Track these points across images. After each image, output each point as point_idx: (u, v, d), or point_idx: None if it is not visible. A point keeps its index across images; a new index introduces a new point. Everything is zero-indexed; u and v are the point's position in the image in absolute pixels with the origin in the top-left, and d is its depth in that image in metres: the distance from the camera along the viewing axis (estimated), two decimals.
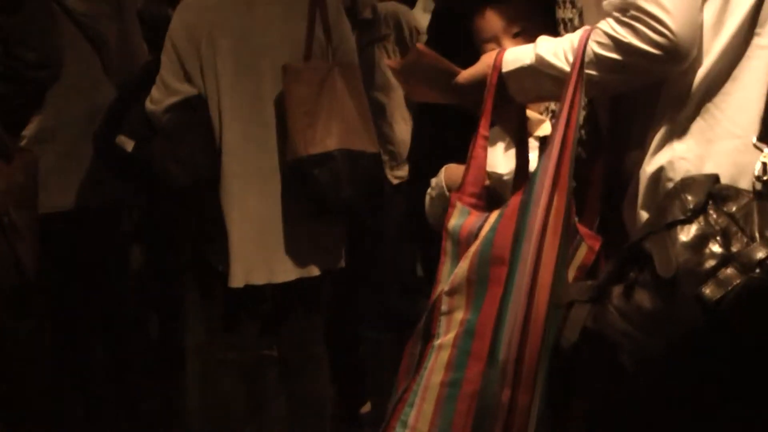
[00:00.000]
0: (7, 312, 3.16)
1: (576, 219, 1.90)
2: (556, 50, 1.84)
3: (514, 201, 1.85)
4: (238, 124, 2.97)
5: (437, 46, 2.10)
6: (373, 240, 3.57)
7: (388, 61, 3.61)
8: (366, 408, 3.89)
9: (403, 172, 3.85)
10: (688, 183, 1.73)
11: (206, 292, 3.22)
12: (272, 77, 2.96)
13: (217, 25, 2.97)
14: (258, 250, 2.98)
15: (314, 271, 3.05)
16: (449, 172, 2.22)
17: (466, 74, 1.98)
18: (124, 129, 3.16)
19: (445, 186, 2.21)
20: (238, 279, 2.99)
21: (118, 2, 3.36)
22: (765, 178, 1.72)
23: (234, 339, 3.12)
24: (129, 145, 3.11)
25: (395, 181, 3.88)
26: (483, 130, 1.95)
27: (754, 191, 1.72)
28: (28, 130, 3.07)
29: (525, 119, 2.05)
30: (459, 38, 2.23)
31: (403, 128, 3.98)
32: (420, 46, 2.05)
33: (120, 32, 3.36)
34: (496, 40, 2.15)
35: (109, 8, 3.33)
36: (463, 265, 1.87)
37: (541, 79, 1.87)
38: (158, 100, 2.98)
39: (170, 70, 2.98)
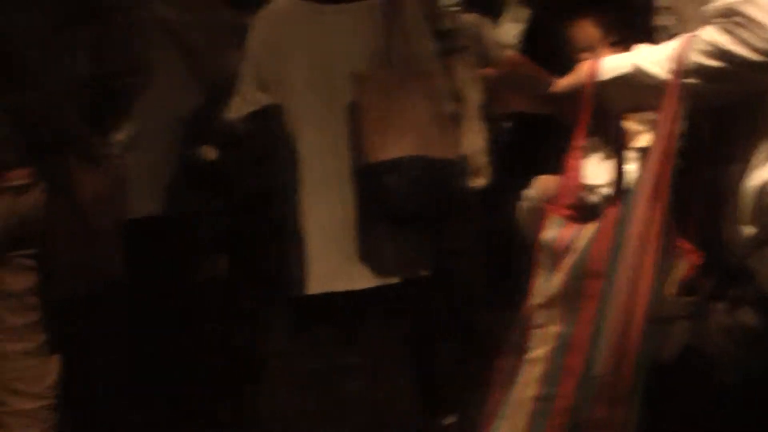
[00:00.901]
0: (91, 317, 3.21)
1: (675, 233, 1.86)
2: (654, 59, 1.80)
3: (611, 213, 1.82)
4: (313, 133, 2.99)
5: (530, 56, 2.08)
6: (450, 250, 3.55)
7: (481, 71, 3.60)
8: (450, 419, 3.86)
9: (476, 182, 3.83)
10: None
11: (285, 300, 3.22)
12: (347, 85, 2.96)
13: (293, 34, 2.99)
14: (336, 257, 2.99)
15: (395, 278, 3.04)
16: (543, 183, 2.20)
17: (560, 84, 1.95)
18: (207, 138, 3.19)
19: (538, 197, 2.19)
20: (315, 286, 2.99)
21: (205, 10, 3.39)
22: None
23: (313, 347, 3.12)
24: (211, 153, 3.14)
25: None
26: (578, 141, 1.92)
27: None
28: (117, 137, 3.11)
29: (622, 130, 2.02)
30: (553, 48, 2.21)
31: (475, 139, 3.96)
32: (513, 54, 2.03)
33: (209, 41, 3.39)
34: (592, 50, 2.12)
35: (197, 16, 3.36)
36: (558, 278, 1.84)
37: (638, 89, 1.83)
38: (236, 109, 3.01)
39: (247, 80, 3.01)
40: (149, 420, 3.40)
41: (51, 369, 2.61)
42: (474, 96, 3.77)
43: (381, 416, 3.15)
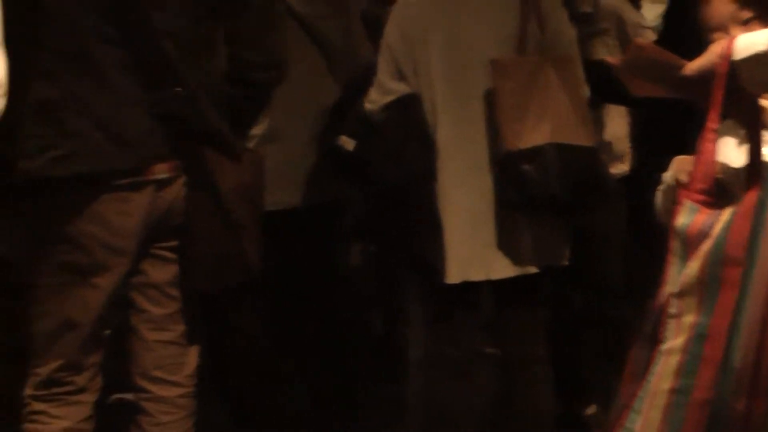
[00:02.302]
0: (233, 308, 3.26)
1: None
2: None
3: (749, 198, 1.76)
4: (451, 121, 2.98)
5: (672, 37, 2.02)
6: (591, 238, 3.49)
7: (609, 58, 3.52)
8: (591, 410, 3.81)
9: (619, 168, 3.76)
10: None
11: (425, 289, 3.22)
12: (484, 73, 2.95)
13: (429, 23, 2.99)
14: (474, 246, 2.97)
15: (533, 267, 3.01)
16: (679, 165, 2.13)
17: (692, 65, 1.89)
18: (346, 129, 3.21)
19: (673, 179, 2.12)
20: (454, 275, 2.98)
21: (341, 3, 3.41)
22: None
23: (453, 336, 3.10)
24: (349, 144, 3.16)
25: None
26: (712, 123, 1.86)
27: None
28: (256, 130, 3.15)
29: (758, 110, 1.94)
30: (694, 29, 2.14)
31: (618, 123, 3.88)
32: (639, 41, 1.98)
33: (344, 33, 3.41)
34: (724, 29, 2.04)
35: (333, 9, 3.38)
36: (694, 266, 1.79)
37: None
38: (375, 99, 3.03)
39: (385, 70, 3.02)
40: (292, 409, 3.45)
41: (190, 358, 2.67)
42: None
43: (521, 406, 3.11)
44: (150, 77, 2.46)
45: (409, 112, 2.99)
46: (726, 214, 1.80)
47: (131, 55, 2.43)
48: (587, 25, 3.80)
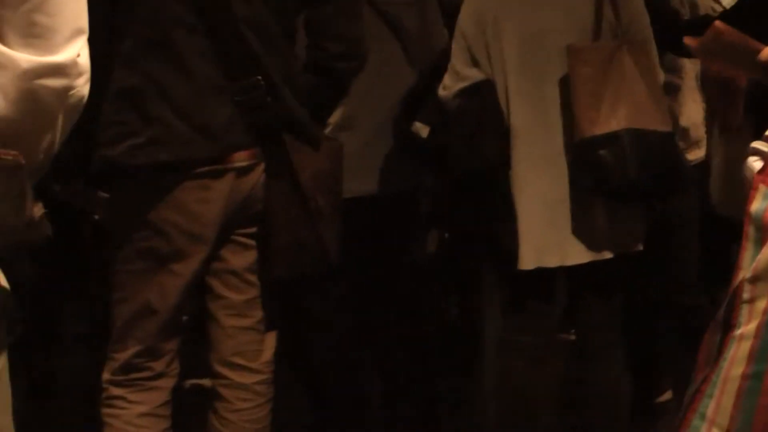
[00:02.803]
0: (314, 295, 3.29)
1: None
2: None
3: None
4: (525, 107, 2.98)
5: (748, 21, 2.00)
6: (666, 224, 3.46)
7: (686, 39, 3.48)
8: (666, 396, 3.78)
9: (695, 154, 3.71)
10: None
11: (501, 275, 3.23)
12: (558, 59, 2.94)
13: (502, 9, 2.99)
14: (549, 233, 2.97)
15: (608, 253, 2.99)
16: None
17: None
18: (421, 115, 3.22)
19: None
20: (528, 261, 2.98)
21: None
22: None
23: (528, 322, 3.11)
24: (424, 131, 3.17)
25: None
26: None
27: None
28: (333, 118, 3.18)
29: None
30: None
31: (694, 109, 3.83)
32: (718, 23, 1.95)
33: (421, 20, 3.42)
34: None
35: None
36: (767, 251, 1.77)
37: None
38: (449, 86, 3.04)
39: (459, 56, 3.03)
40: (366, 396, 3.47)
41: (268, 345, 2.68)
42: (691, 66, 3.66)
43: (596, 393, 3.10)
44: (231, 66, 2.48)
45: (482, 99, 3.00)
46: None
47: (213, 43, 2.46)
48: (662, 9, 3.76)
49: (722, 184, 2.31)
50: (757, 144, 2.42)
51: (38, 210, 2.32)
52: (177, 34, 2.43)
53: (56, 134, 1.71)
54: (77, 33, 1.71)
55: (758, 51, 1.88)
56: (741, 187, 2.45)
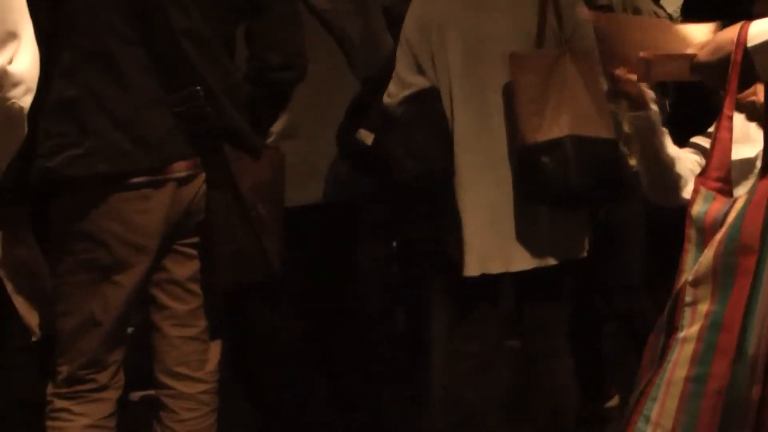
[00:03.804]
0: (260, 304, 3.28)
1: None
2: None
3: (763, 186, 1.75)
4: (469, 114, 2.98)
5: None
6: (610, 230, 3.49)
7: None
8: (613, 402, 3.80)
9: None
10: None
11: (447, 283, 3.23)
12: (501, 66, 2.95)
13: (446, 17, 2.99)
14: (493, 239, 2.97)
15: (552, 260, 3.00)
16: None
17: (707, 51, 1.88)
18: (365, 123, 3.21)
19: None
20: (473, 268, 2.98)
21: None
22: None
23: (474, 329, 3.10)
24: (369, 138, 3.16)
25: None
26: (728, 110, 1.85)
27: None
28: (275, 127, 3.16)
29: None
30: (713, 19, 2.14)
31: None
32: (643, 56, 1.99)
33: (364, 28, 3.42)
34: None
35: (353, 5, 3.39)
36: (708, 254, 1.78)
37: None
38: (393, 93, 3.03)
39: (404, 64, 3.03)
40: (315, 404, 3.46)
41: (213, 354, 2.68)
42: None
43: (542, 400, 3.11)
44: (170, 77, 2.47)
45: (427, 106, 3.00)
46: (740, 202, 1.79)
47: (151, 55, 2.45)
48: None
49: (646, 172, 2.34)
50: (697, 139, 2.45)
51: None
52: (115, 46, 2.42)
53: None
54: (7, 39, 1.63)
55: (692, 58, 1.91)
56: (668, 175, 2.47)
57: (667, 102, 3.87)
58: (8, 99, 1.58)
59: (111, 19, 2.41)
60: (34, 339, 2.54)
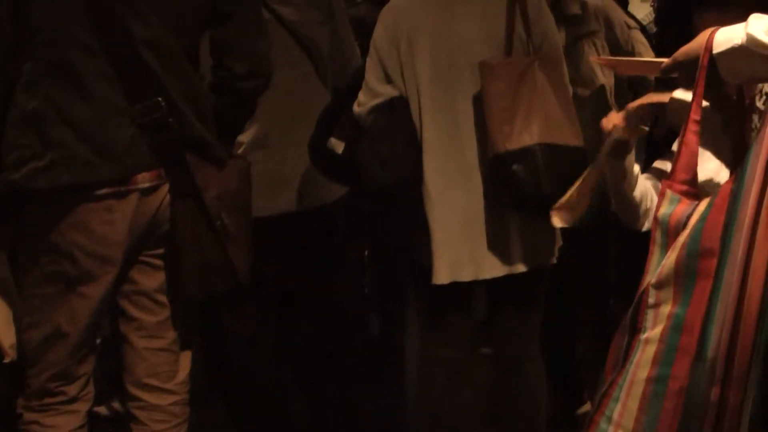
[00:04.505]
0: (229, 313, 3.27)
1: None
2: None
3: (725, 189, 1.76)
4: (438, 123, 2.98)
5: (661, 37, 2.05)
6: (582, 236, 3.49)
7: (593, 57, 3.54)
8: (585, 408, 3.81)
9: None
10: None
11: (419, 289, 3.23)
12: (471, 75, 2.96)
13: (415, 26, 3.00)
14: (463, 246, 2.98)
15: (522, 267, 3.01)
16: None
17: (681, 51, 1.91)
18: (336, 132, 3.21)
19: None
20: (443, 275, 2.99)
21: (329, 8, 3.42)
22: None
23: (447, 336, 3.11)
24: (339, 147, 3.17)
25: None
26: (695, 114, 1.87)
27: None
28: (244, 137, 3.16)
29: (739, 102, 1.95)
30: (684, 32, 2.16)
31: None
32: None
33: (332, 38, 3.42)
34: None
35: (321, 15, 3.40)
36: (671, 256, 1.79)
37: (753, 60, 1.78)
38: (363, 102, 3.04)
39: (373, 73, 3.03)
40: (290, 413, 3.45)
41: (182, 365, 2.68)
42: (606, 81, 3.70)
43: (514, 405, 3.12)
44: (131, 87, 2.46)
45: (395, 115, 3.00)
46: (703, 205, 1.80)
47: (112, 65, 2.44)
48: (576, 27, 3.82)
49: (613, 202, 2.36)
50: (658, 163, 2.46)
51: None
52: (76, 57, 2.41)
53: None
54: None
55: (660, 64, 1.94)
56: (633, 209, 2.49)
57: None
58: None
59: (72, 31, 2.40)
60: (6, 360, 2.51)
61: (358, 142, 3.07)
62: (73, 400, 2.56)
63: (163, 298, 2.62)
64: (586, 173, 2.44)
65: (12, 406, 2.60)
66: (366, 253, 4.16)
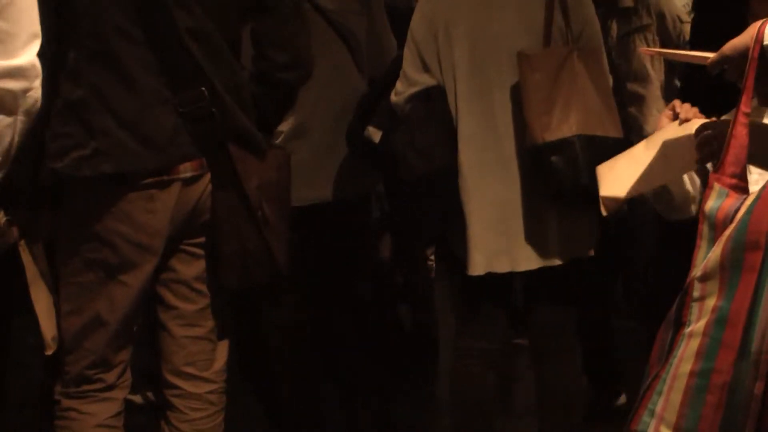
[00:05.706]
0: (265, 303, 3.28)
1: None
2: None
3: None
4: (475, 113, 2.98)
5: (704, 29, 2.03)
6: (621, 229, 3.48)
7: (643, 49, 3.51)
8: (621, 400, 3.79)
9: None
10: None
11: (454, 281, 3.23)
12: (508, 64, 2.95)
13: (453, 15, 2.99)
14: (499, 238, 2.97)
15: (559, 260, 3.00)
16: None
17: (729, 45, 1.88)
18: (373, 121, 3.22)
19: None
20: (478, 267, 2.98)
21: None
22: None
23: (483, 328, 3.10)
24: (376, 136, 3.17)
25: None
26: (744, 106, 1.84)
27: None
28: (283, 126, 3.17)
29: None
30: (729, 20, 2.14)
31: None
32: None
33: (369, 27, 3.42)
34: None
35: (358, 4, 3.40)
36: (717, 250, 1.77)
37: None
38: (400, 91, 3.04)
39: (410, 62, 3.03)
40: (325, 401, 3.46)
41: (220, 354, 2.68)
42: (656, 76, 3.69)
43: (549, 397, 3.11)
44: (175, 77, 2.47)
45: (432, 104, 3.00)
46: (750, 198, 1.78)
47: (156, 55, 2.45)
48: (628, 20, 3.80)
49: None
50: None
51: (1, 217, 2.32)
52: (120, 46, 2.42)
53: (15, 136, 1.84)
54: (33, 37, 1.87)
55: (706, 59, 1.92)
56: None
57: (676, 80, 3.87)
58: (32, 89, 1.83)
59: (116, 19, 2.41)
60: (48, 353, 2.53)
61: (394, 131, 3.07)
62: (110, 387, 2.58)
63: (202, 287, 2.62)
64: None
65: (50, 393, 2.62)
66: (400, 243, 4.15)
